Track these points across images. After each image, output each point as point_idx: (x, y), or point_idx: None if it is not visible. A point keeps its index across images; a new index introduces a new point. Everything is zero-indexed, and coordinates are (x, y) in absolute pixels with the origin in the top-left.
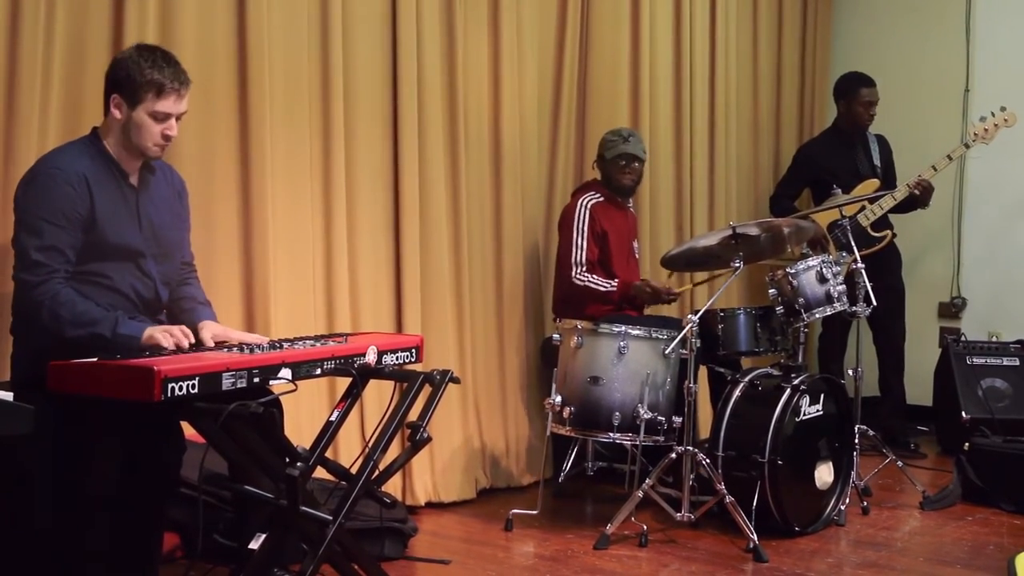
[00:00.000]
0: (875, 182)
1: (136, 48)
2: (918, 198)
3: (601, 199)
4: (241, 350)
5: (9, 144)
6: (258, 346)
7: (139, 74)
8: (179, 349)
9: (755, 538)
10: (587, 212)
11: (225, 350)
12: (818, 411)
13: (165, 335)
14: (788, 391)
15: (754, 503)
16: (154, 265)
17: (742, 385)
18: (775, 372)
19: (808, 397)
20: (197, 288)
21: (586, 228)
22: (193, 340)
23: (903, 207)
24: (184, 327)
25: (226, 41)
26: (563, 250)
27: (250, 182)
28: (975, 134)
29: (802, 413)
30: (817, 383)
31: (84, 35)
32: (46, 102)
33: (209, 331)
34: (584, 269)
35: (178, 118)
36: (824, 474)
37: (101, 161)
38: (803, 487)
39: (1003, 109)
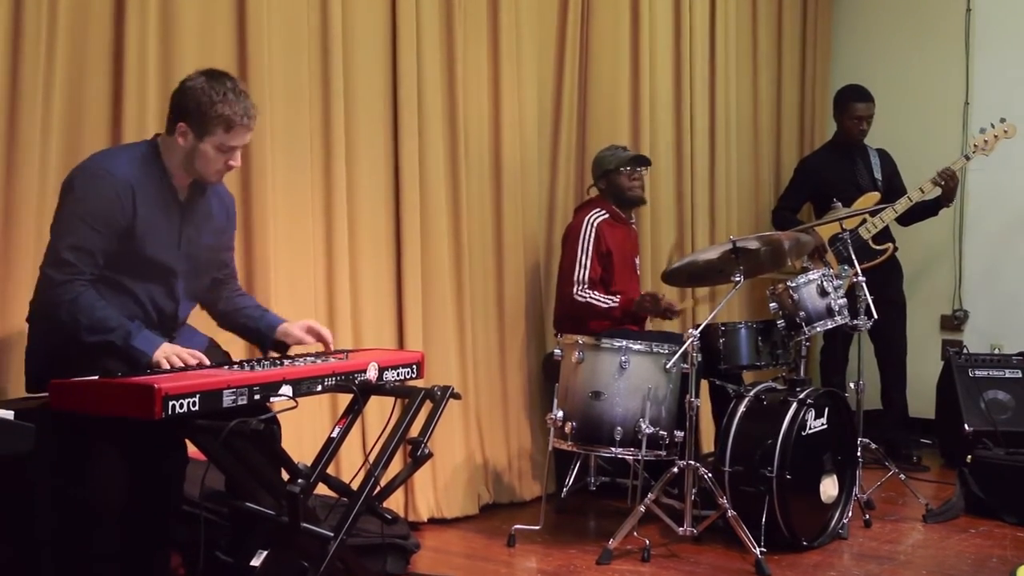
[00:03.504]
0: (876, 195)
1: (207, 77)
2: (943, 193)
3: (607, 216)
4: (242, 367)
5: (11, 155)
6: (259, 362)
7: (210, 108)
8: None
9: (758, 552)
10: (593, 230)
11: (226, 367)
12: (823, 425)
13: (167, 361)
14: (795, 405)
15: (763, 518)
16: (183, 284)
17: (747, 400)
18: (779, 386)
19: (813, 411)
20: (250, 297)
21: (591, 246)
22: (207, 362)
23: (922, 213)
24: (194, 352)
25: (226, 59)
26: (566, 267)
27: (251, 199)
28: (975, 146)
29: (808, 427)
30: (821, 397)
31: (85, 49)
32: (48, 114)
33: (296, 327)
34: (586, 286)
35: (240, 148)
36: (829, 488)
37: (155, 174)
38: (809, 501)
39: (1003, 120)
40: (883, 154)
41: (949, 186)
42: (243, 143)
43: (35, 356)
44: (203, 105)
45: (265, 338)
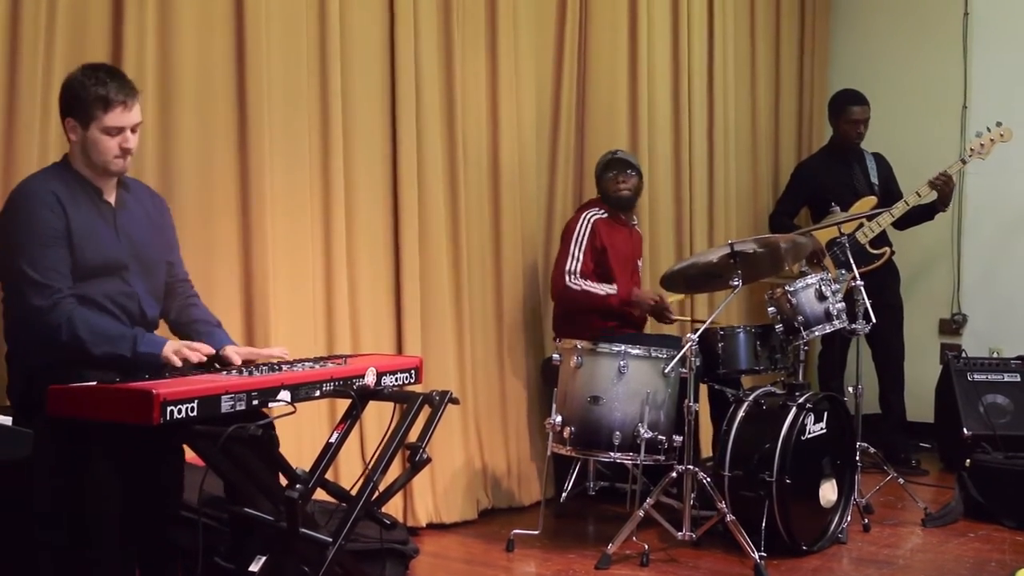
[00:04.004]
0: (872, 199)
1: (81, 68)
2: (938, 197)
3: (605, 215)
4: (240, 373)
5: (9, 156)
6: (257, 368)
7: (84, 92)
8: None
9: (756, 556)
10: (589, 225)
11: (224, 373)
12: (822, 429)
13: (177, 356)
14: (794, 410)
15: (763, 522)
16: (138, 280)
17: (747, 404)
18: (778, 391)
19: (813, 415)
20: (205, 309)
21: (585, 241)
22: (211, 350)
23: (919, 217)
24: (197, 343)
25: (224, 59)
26: (559, 259)
27: (249, 203)
28: (971, 149)
29: (807, 432)
30: (821, 401)
31: (83, 50)
32: (46, 114)
33: (234, 351)
34: (577, 276)
35: (133, 130)
36: (828, 492)
37: (73, 181)
38: (809, 505)
39: (999, 124)
40: (879, 158)
41: (944, 191)
42: (128, 123)
43: (17, 389)
44: (79, 92)
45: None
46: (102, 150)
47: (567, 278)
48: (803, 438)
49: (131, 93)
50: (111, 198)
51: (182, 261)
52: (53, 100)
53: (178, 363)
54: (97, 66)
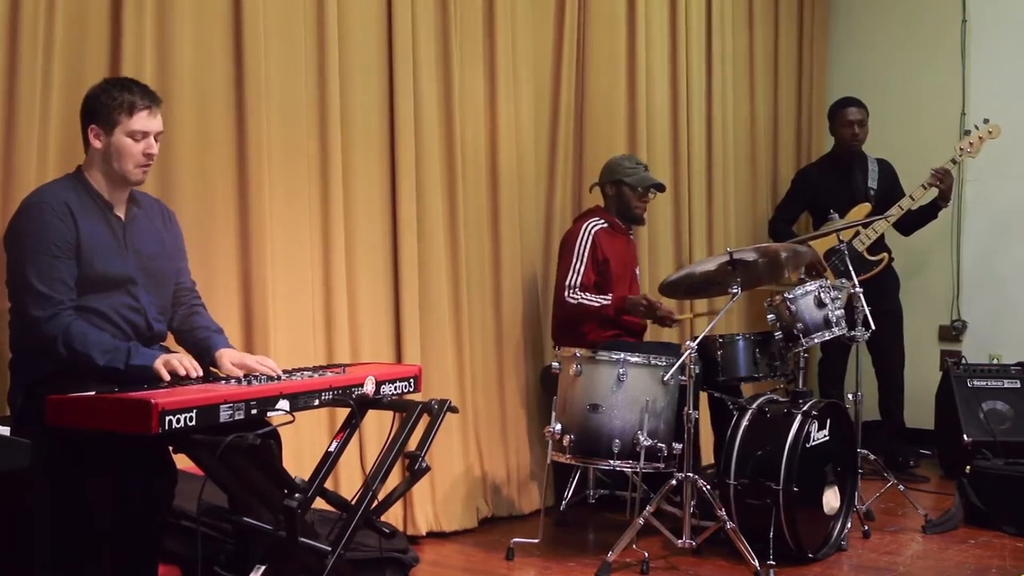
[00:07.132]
0: (866, 206)
1: (104, 80)
2: (939, 193)
3: (605, 225)
4: (239, 382)
5: (9, 166)
6: (256, 377)
7: (109, 98)
8: (181, 379)
9: (757, 564)
10: (590, 237)
11: (223, 382)
12: (825, 436)
13: (166, 367)
14: (799, 417)
15: (771, 531)
16: (145, 295)
17: (750, 412)
18: (780, 398)
19: (816, 423)
20: (207, 317)
21: (587, 253)
22: (200, 372)
23: (921, 218)
24: (191, 358)
25: (222, 73)
26: (560, 272)
27: (248, 214)
28: (961, 149)
29: (812, 439)
30: (824, 408)
31: (82, 65)
32: (44, 129)
33: (227, 358)
34: (577, 289)
35: (156, 138)
36: (831, 499)
37: (85, 194)
38: (813, 513)
39: (986, 121)
40: (883, 164)
41: (945, 184)
42: (153, 128)
43: (17, 399)
44: (104, 100)
45: (203, 360)
46: (127, 157)
47: (566, 292)
48: (808, 445)
49: (155, 100)
50: (121, 212)
51: (189, 270)
52: (52, 107)
53: (167, 377)
54: (119, 77)
